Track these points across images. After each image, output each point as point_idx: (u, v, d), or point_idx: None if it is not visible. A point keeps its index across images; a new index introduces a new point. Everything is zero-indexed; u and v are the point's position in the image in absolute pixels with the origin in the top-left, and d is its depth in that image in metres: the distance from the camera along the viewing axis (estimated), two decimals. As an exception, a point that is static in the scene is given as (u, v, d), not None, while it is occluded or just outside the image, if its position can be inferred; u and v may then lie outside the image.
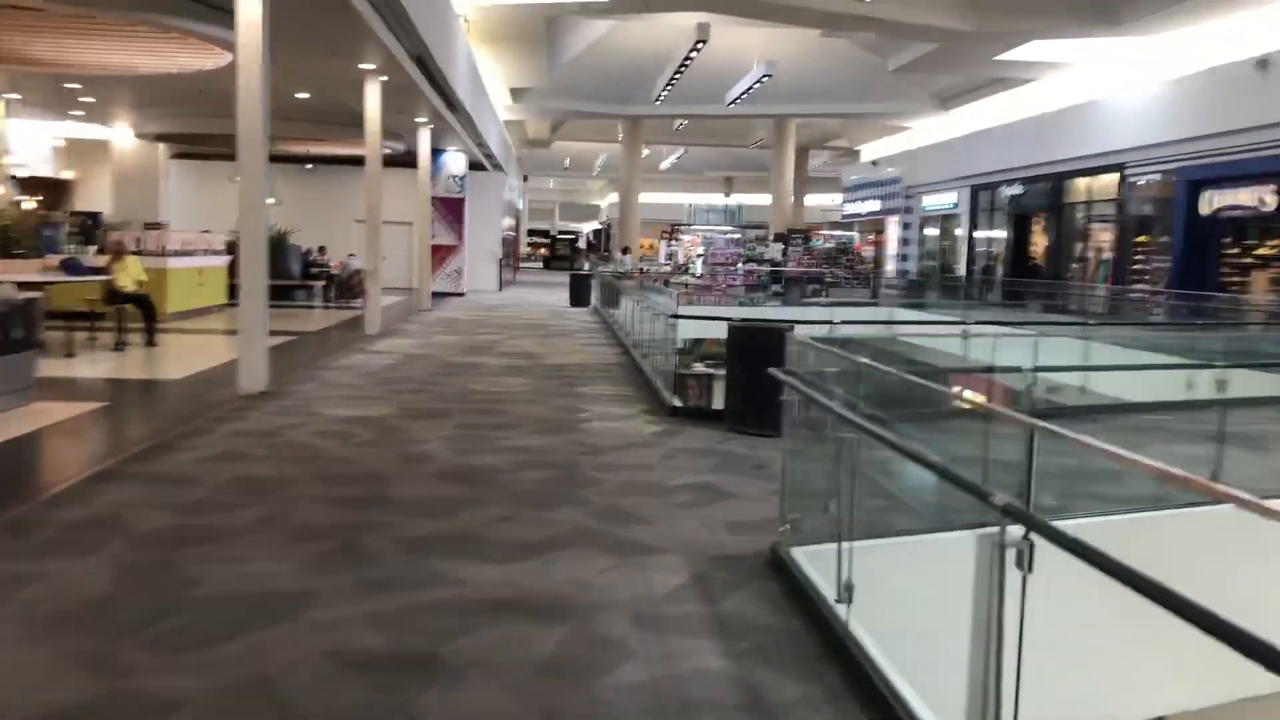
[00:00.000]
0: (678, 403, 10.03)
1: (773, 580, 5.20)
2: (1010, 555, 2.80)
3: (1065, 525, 5.95)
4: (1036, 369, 5.89)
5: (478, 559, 5.39)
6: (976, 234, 30.72)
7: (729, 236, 26.30)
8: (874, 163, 36.91)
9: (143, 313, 13.99)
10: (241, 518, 6.00)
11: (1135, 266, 23.60)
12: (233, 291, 21.82)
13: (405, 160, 25.75)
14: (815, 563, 5.12)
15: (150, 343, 13.87)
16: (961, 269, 31.24)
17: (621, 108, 34.11)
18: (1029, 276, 27.96)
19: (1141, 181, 23.20)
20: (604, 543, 5.73)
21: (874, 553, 4.59)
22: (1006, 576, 2.87)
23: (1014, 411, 3.23)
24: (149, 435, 8.20)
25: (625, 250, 30.17)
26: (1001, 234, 29.68)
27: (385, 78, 16.54)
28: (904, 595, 4.95)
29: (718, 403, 10.26)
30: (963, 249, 31.38)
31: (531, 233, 68.61)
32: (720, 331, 12.03)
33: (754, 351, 8.95)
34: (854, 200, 37.85)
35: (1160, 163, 22.01)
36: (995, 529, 5.69)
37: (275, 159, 27.56)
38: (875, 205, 35.94)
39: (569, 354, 14.98)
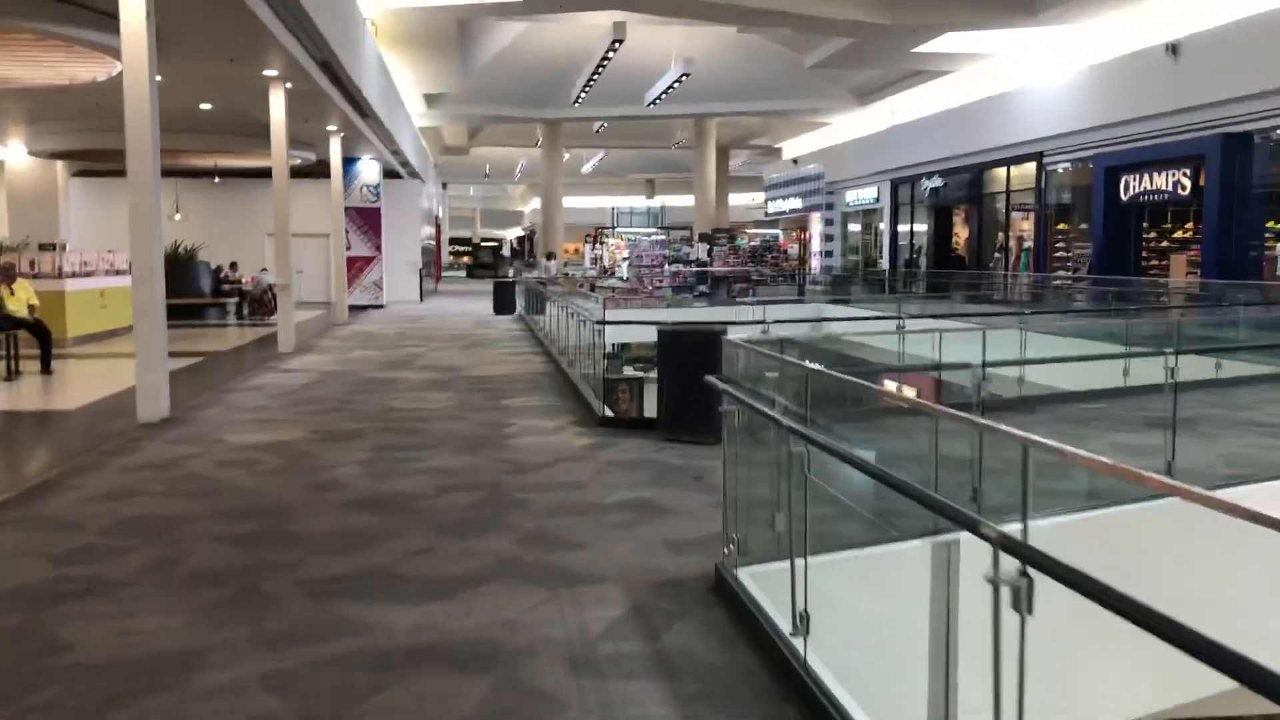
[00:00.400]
0: (608, 412, 9.54)
1: (719, 607, 4.74)
2: (1005, 594, 2.36)
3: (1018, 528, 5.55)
4: (985, 364, 5.51)
5: (391, 600, 4.84)
6: (900, 228, 30.76)
7: (654, 238, 25.87)
8: (794, 160, 36.87)
9: (36, 338, 13.11)
10: (128, 565, 5.37)
11: (1057, 254, 23.72)
12: (138, 313, 20.85)
13: (318, 170, 24.93)
14: (764, 585, 4.68)
15: (45, 370, 13.00)
16: (885, 263, 31.26)
17: (539, 111, 33.57)
18: (952, 268, 28.03)
19: (1060, 169, 23.33)
20: (532, 573, 5.22)
21: (826, 571, 4.16)
22: (1001, 617, 2.43)
23: (1009, 427, 2.80)
24: (32, 474, 7.48)
25: (550, 256, 29.63)
26: (923, 227, 29.75)
27: (290, 84, 15.82)
28: (862, 616, 4.54)
29: (649, 409, 9.83)
30: (886, 243, 31.41)
31: (453, 241, 67.63)
32: (650, 335, 11.63)
33: (686, 356, 8.52)
34: (776, 198, 37.74)
35: (1078, 150, 22.12)
36: (950, 536, 5.27)
37: (181, 173, 26.73)
38: (798, 203, 35.84)
39: (494, 365, 14.42)
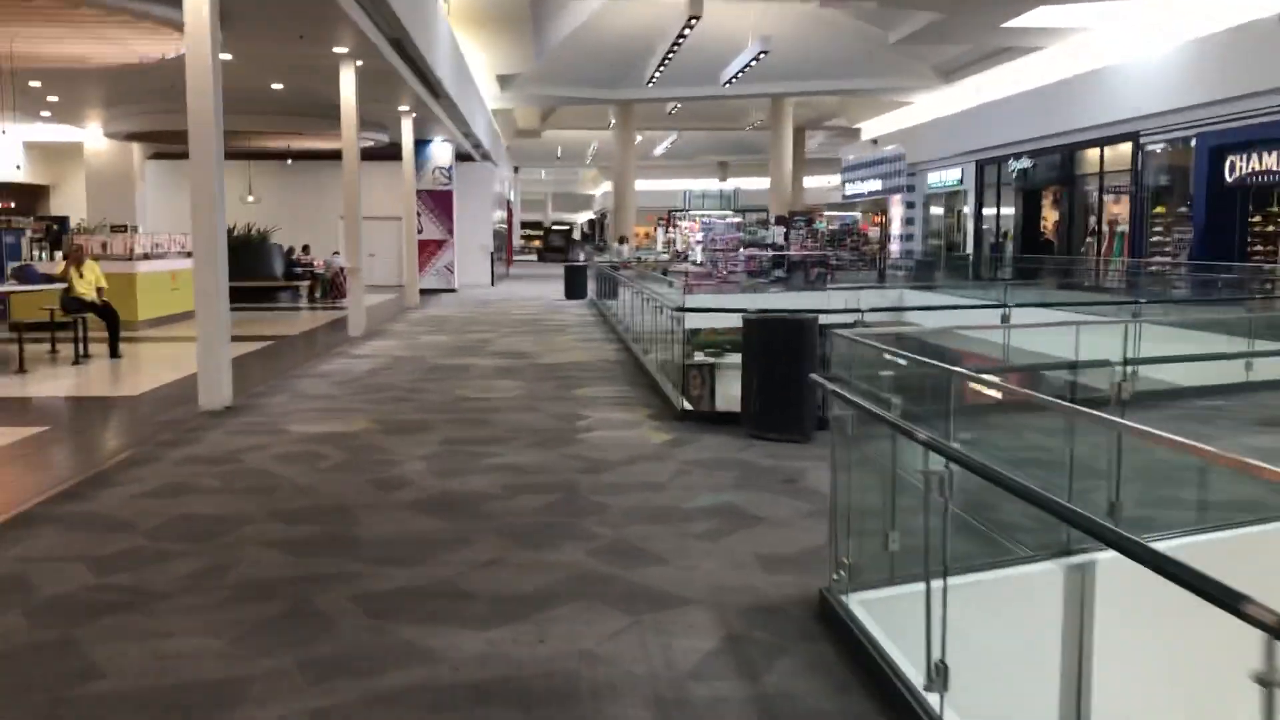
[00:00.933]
0: (688, 406, 8.94)
1: (826, 640, 4.13)
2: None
3: (1171, 545, 4.83)
4: (1128, 361, 4.81)
5: (456, 622, 4.32)
6: (984, 211, 29.61)
7: (729, 221, 25.16)
8: (874, 141, 35.76)
9: (105, 322, 12.91)
10: (173, 572, 4.93)
11: (1154, 238, 22.52)
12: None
13: (390, 153, 24.64)
14: (880, 616, 4.06)
15: (114, 354, 12.79)
16: (969, 247, 30.15)
17: (612, 92, 32.97)
18: (1040, 253, 26.88)
19: (1158, 149, 22.11)
20: (612, 592, 4.66)
21: (951, 601, 3.54)
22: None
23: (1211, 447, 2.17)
24: (85, 466, 7.12)
25: (622, 240, 29.08)
26: (1009, 210, 28.58)
27: (360, 63, 15.43)
28: (999, 657, 3.90)
29: (721, 398, 9.25)
30: (969, 226, 30.29)
31: (525, 225, 67.48)
32: (726, 320, 10.99)
33: (774, 346, 7.90)
34: (854, 180, 36.68)
35: (1179, 129, 20.90)
36: (1085, 558, 4.60)
37: (254, 155, 26.64)
38: (876, 185, 34.76)
39: (565, 352, 13.90)
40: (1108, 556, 3.34)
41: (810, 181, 49.52)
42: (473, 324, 18.04)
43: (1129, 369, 4.68)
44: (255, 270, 22.71)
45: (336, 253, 23.32)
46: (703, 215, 26.14)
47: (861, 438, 4.30)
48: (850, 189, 37.19)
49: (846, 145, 40.17)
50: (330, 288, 22.77)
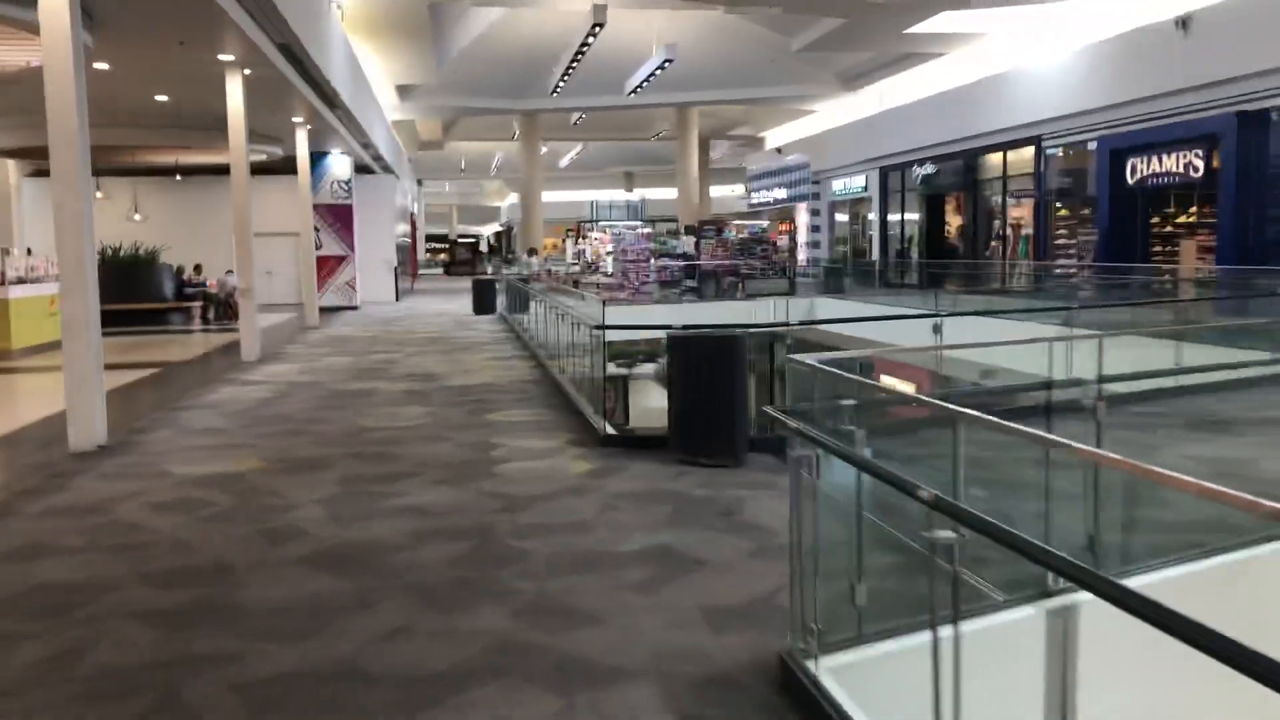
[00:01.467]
0: (610, 430, 8.29)
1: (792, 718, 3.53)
2: None
3: (1144, 582, 4.32)
4: (1103, 379, 4.32)
5: (358, 715, 3.61)
6: (890, 216, 29.64)
7: (639, 231, 24.61)
8: (779, 150, 35.71)
9: (-32, 353, 11.76)
10: (17, 660, 4.11)
11: (1058, 241, 22.65)
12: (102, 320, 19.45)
13: (285, 167, 23.54)
14: (853, 686, 3.48)
15: (-21, 388, 11.66)
16: (875, 253, 30.15)
17: (516, 103, 32.23)
18: (944, 257, 26.95)
19: (1060, 153, 22.24)
20: (540, 666, 3.99)
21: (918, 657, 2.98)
22: None
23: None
24: (-75, 525, 6.18)
25: (531, 252, 28.31)
26: (915, 215, 28.64)
27: (249, 71, 14.47)
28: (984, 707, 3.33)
29: (635, 414, 8.68)
30: (875, 233, 30.30)
31: (430, 238, 66.13)
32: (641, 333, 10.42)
33: (701, 365, 7.30)
34: (760, 189, 36.60)
35: (1079, 133, 21.03)
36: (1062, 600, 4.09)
37: (140, 171, 25.22)
38: (782, 193, 34.72)
39: (476, 372, 13.14)
40: (1089, 599, 2.90)
41: (716, 191, 49.40)
42: (376, 344, 17.13)
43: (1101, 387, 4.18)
44: (144, 292, 21.44)
45: (230, 271, 22.11)
46: (613, 226, 25.47)
47: (821, 479, 3.71)
48: (756, 198, 37.08)
49: (752, 154, 40.08)
50: (224, 309, 21.57)
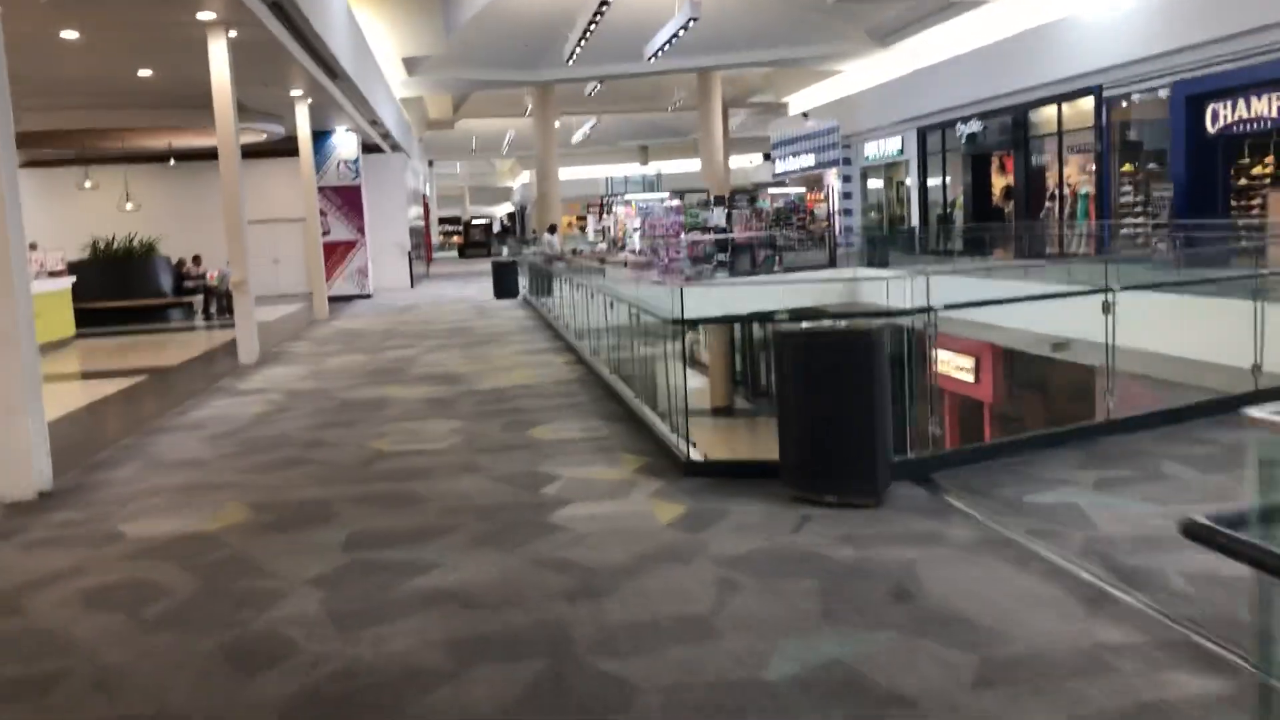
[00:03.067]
0: (696, 455, 6.26)
1: None
2: None
3: None
4: None
5: None
6: (930, 180, 27.45)
7: (668, 204, 22.54)
8: (804, 114, 33.47)
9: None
10: None
11: (1123, 199, 20.49)
12: (82, 319, 17.59)
13: (289, 147, 21.50)
14: None
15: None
16: (913, 220, 27.98)
17: (530, 73, 30.03)
18: (991, 220, 24.80)
19: (1124, 103, 20.06)
20: None
21: None
22: None
23: None
24: None
25: (552, 229, 26.25)
26: (957, 178, 26.44)
27: (234, 33, 12.45)
28: None
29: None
30: (913, 197, 28.12)
31: (442, 220, 64.07)
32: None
33: (825, 369, 5.30)
34: (785, 156, 34.37)
35: (1148, 79, 18.83)
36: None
37: (131, 158, 23.27)
38: (809, 159, 32.45)
39: (507, 370, 11.16)
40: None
41: (734, 161, 47.17)
42: (392, 337, 15.15)
43: None
44: (140, 287, 19.56)
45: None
46: (641, 199, 23.41)
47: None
48: (781, 166, 34.87)
49: (774, 121, 37.86)
50: (227, 302, 19.63)
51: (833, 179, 31.04)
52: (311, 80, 16.50)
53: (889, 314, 5.67)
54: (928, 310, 5.77)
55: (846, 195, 31.20)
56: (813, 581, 4.30)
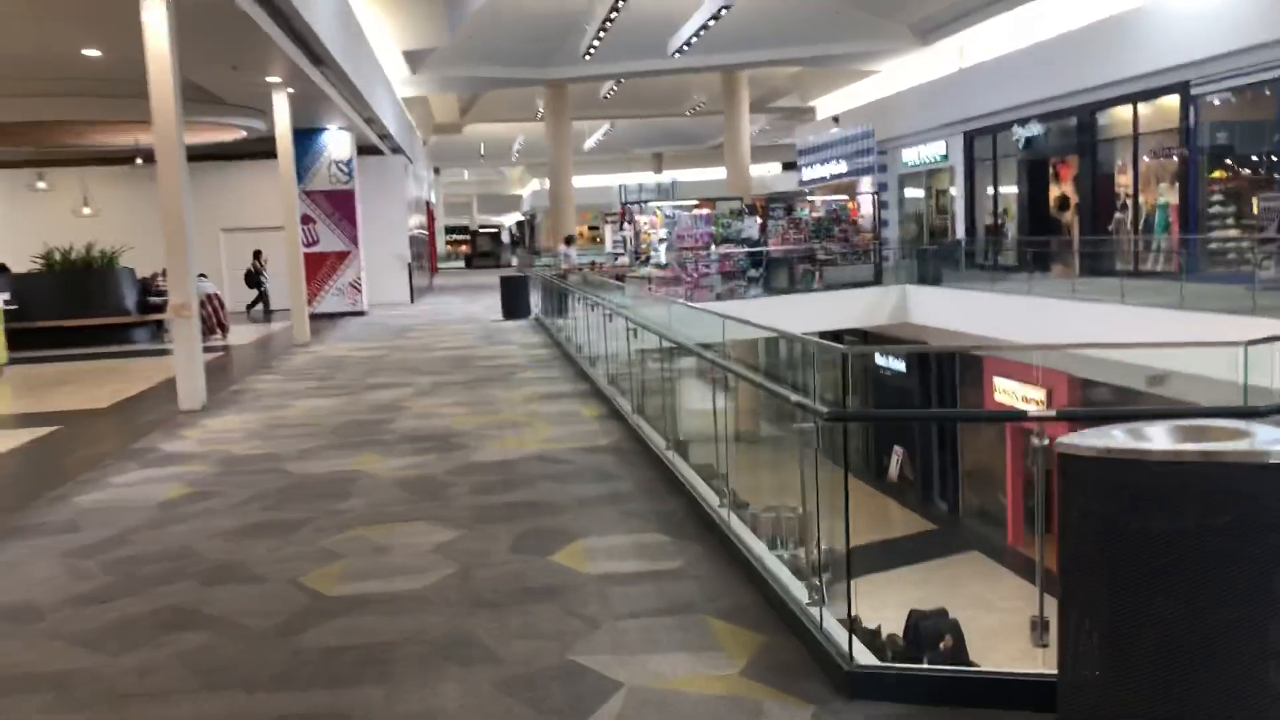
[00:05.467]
0: (867, 654, 3.42)
1: None
2: None
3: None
4: None
5: None
6: (977, 189, 24.64)
7: (696, 213, 19.75)
8: (835, 119, 30.69)
9: None
10: None
11: (1212, 209, 17.68)
12: (28, 340, 14.89)
13: (274, 149, 18.77)
14: None
15: None
16: (959, 231, 25.15)
17: (542, 71, 27.26)
18: (1048, 233, 21.99)
19: (1217, 100, 17.27)
20: None
21: None
22: None
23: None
24: None
25: (569, 240, 23.44)
26: (1009, 187, 23.63)
27: (182, -6, 9.70)
28: None
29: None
30: (958, 208, 25.30)
31: (449, 229, 61.28)
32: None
33: (1194, 541, 2.46)
34: (812, 164, 31.60)
35: (1250, 73, 16.03)
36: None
37: (91, 159, 20.50)
38: (840, 166, 29.66)
39: (519, 425, 8.35)
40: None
41: (753, 170, 44.42)
42: (379, 369, 12.34)
43: None
44: (100, 303, 16.79)
45: (203, 275, 17.41)
46: (666, 206, 20.60)
47: None
48: (808, 173, 32.10)
49: (800, 126, 35.11)
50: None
51: (864, 186, 28.26)
52: (290, 65, 13.76)
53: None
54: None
55: (882, 205, 28.40)
56: None
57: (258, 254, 21.32)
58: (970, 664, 12.72)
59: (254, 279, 21.45)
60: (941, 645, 12.27)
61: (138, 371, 12.99)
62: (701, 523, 5.20)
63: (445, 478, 6.53)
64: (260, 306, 21.48)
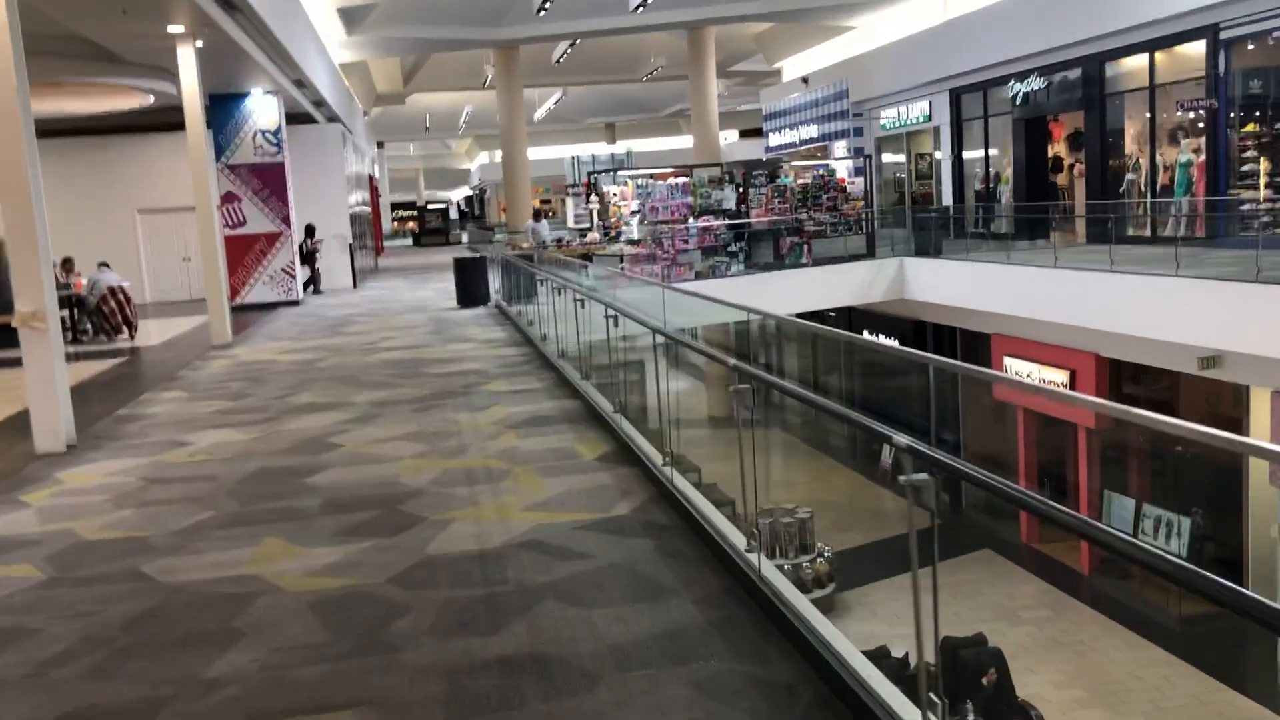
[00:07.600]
0: None
1: None
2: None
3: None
4: None
5: None
6: (967, 152, 22.46)
7: (673, 183, 17.30)
8: (804, 79, 28.28)
9: None
10: None
11: (1244, 167, 15.65)
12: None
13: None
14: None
15: None
16: (947, 197, 22.98)
17: (491, 31, 24.47)
18: (1046, 198, 19.90)
19: (1250, 45, 15.19)
20: None
21: None
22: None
23: None
24: None
25: (536, 216, 20.78)
26: (1000, 149, 21.47)
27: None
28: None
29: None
30: (945, 171, 23.12)
31: (395, 206, 58.01)
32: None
33: None
34: (781, 129, 29.26)
35: (1293, 12, 13.98)
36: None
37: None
38: (811, 131, 27.34)
39: (494, 470, 5.91)
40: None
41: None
42: (308, 382, 9.76)
43: None
44: (-15, 298, 13.96)
45: (105, 265, 14.63)
46: (640, 176, 18.11)
47: None
48: (776, 139, 29.75)
49: (765, 90, 32.69)
50: (99, 319, 14.14)
51: (838, 151, 25.98)
52: (193, 9, 11.07)
53: None
54: None
55: (858, 171, 26.17)
56: None
57: (310, 230, 20.06)
58: (1017, 702, 10.72)
59: (309, 257, 20.30)
60: (985, 680, 10.73)
61: (8, 387, 10.29)
62: (765, 638, 2.85)
63: (388, 593, 4.09)
64: (313, 287, 20.53)
